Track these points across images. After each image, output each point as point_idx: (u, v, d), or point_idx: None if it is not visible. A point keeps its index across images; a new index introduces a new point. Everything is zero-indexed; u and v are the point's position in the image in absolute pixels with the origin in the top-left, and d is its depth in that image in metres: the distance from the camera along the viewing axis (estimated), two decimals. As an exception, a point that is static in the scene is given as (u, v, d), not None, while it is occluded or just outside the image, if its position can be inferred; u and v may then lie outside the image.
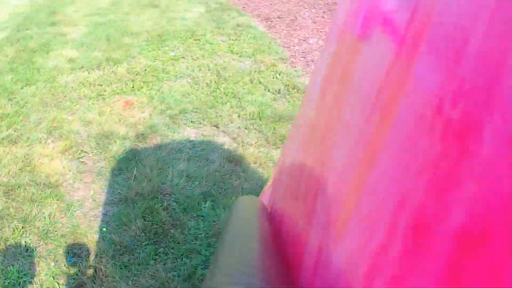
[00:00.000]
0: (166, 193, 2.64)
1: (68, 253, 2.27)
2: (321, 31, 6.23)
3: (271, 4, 7.64)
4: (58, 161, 2.90)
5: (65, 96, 3.71)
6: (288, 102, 3.81)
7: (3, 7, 6.91)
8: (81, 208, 2.55)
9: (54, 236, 2.35)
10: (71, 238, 2.35)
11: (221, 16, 6.45)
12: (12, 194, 2.63)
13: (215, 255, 0.83)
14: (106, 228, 2.41)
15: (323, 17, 7.18)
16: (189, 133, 3.27)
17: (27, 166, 2.88)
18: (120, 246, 2.30)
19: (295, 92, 4.00)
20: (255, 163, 2.92)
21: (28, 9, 6.61)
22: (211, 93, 3.87)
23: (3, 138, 3.15)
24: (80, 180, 2.78)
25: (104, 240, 2.33)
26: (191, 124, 3.38)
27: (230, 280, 0.67)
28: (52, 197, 2.60)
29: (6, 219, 2.46)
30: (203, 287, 0.75)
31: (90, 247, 2.30)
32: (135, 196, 2.61)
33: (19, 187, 2.68)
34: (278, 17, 6.77)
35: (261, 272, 0.68)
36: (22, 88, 3.86)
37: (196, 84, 4.04)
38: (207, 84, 4.05)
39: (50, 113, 3.42)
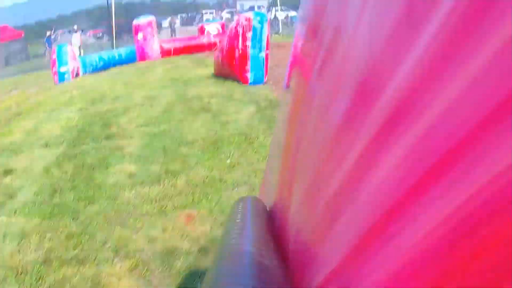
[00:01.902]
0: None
1: None
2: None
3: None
4: (126, 281, 3.23)
5: (128, 214, 4.13)
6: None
7: (55, 120, 7.67)
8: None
9: None
10: None
11: (272, 115, 6.93)
12: (85, 317, 2.96)
13: (215, 255, 0.93)
14: None
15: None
16: (252, 244, 3.55)
17: (96, 285, 3.22)
18: None
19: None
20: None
21: (81, 121, 7.33)
22: (269, 200, 4.19)
23: (71, 258, 3.53)
24: (149, 300, 3.08)
25: None
26: (253, 235, 3.66)
27: (232, 280, 0.72)
28: (124, 319, 2.90)
29: None
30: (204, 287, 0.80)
31: None
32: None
33: (91, 310, 3.01)
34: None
35: (262, 271, 0.74)
36: (85, 206, 4.31)
37: (253, 192, 4.38)
38: (264, 191, 4.38)
39: (115, 232, 3.82)
